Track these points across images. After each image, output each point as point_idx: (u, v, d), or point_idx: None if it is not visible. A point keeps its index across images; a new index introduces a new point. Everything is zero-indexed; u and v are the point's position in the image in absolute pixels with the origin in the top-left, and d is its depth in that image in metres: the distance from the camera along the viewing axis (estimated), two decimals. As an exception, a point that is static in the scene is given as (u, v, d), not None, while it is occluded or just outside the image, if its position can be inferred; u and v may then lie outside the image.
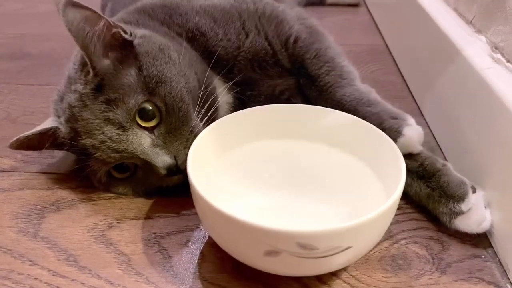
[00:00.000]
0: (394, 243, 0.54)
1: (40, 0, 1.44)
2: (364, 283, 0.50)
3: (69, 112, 0.58)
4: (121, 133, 0.55)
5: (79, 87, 0.57)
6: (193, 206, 0.51)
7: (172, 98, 0.57)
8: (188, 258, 0.53)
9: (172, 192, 0.61)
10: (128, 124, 0.55)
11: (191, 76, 0.61)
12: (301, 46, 0.70)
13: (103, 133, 0.55)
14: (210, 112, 0.61)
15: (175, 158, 0.56)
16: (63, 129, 0.59)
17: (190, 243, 0.55)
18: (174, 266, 0.52)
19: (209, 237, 0.56)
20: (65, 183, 0.66)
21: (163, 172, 0.56)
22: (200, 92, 0.61)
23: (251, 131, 0.60)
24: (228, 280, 0.50)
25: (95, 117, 0.55)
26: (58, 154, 0.70)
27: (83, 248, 0.55)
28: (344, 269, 0.51)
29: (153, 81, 0.56)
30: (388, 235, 0.55)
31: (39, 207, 0.61)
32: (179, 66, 0.59)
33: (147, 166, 0.57)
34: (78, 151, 0.58)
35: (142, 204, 0.62)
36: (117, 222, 0.59)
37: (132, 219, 0.59)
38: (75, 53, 0.61)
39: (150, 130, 0.57)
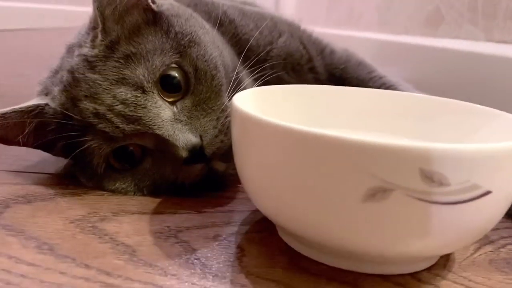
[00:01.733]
0: (500, 248, 0.40)
1: None
2: (482, 284, 0.34)
3: (69, 78, 0.45)
4: (139, 95, 0.43)
5: (85, 50, 0.45)
6: (218, 205, 0.40)
7: (205, 62, 0.46)
8: (220, 251, 0.37)
9: (188, 192, 0.46)
10: (150, 86, 0.43)
11: (225, 53, 0.51)
12: (340, 57, 0.64)
13: (114, 96, 0.43)
14: None
15: (200, 137, 0.43)
16: (56, 101, 0.45)
17: (221, 237, 0.39)
18: (202, 258, 0.35)
19: (248, 232, 0.40)
20: (40, 180, 0.49)
21: (184, 154, 0.42)
22: (232, 76, 0.50)
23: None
24: (283, 275, 0.34)
25: (104, 78, 0.43)
26: (32, 157, 0.54)
27: (63, 237, 0.37)
28: (448, 269, 0.36)
29: (186, 39, 0.46)
30: (487, 240, 0.41)
31: (2, 198, 0.44)
32: (212, 37, 0.50)
33: (162, 149, 0.44)
34: (70, 129, 0.44)
35: (147, 200, 0.45)
36: (113, 215, 0.42)
37: (134, 213, 0.43)
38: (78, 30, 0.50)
39: (172, 103, 0.45)
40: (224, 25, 0.58)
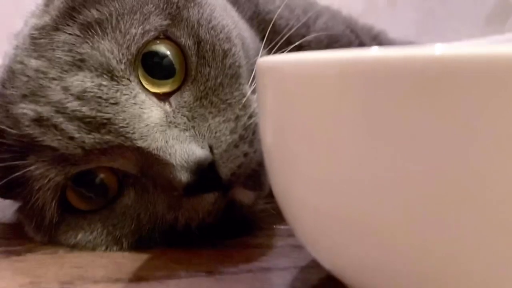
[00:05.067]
0: None
1: None
2: None
3: (4, 73, 0.30)
4: (105, 83, 0.27)
5: (32, 21, 0.30)
6: (243, 259, 0.27)
7: (212, 29, 0.30)
8: None
9: (194, 242, 0.29)
10: (123, 69, 0.28)
11: (243, 29, 0.35)
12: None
13: (65, 88, 0.27)
14: None
15: (210, 149, 0.28)
16: None
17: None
18: None
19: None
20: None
21: (184, 177, 0.27)
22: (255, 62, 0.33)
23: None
24: None
25: (50, 64, 0.28)
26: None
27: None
28: None
29: None
30: None
31: None
32: (223, 3, 0.35)
33: (150, 173, 0.28)
34: (5, 151, 0.28)
35: (125, 258, 0.28)
36: (63, 286, 0.24)
37: (100, 281, 0.25)
38: None
39: (163, 97, 0.29)
40: (241, 2, 0.41)
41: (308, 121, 0.17)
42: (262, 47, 0.37)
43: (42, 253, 0.29)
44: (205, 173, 0.27)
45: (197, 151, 0.27)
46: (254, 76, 0.31)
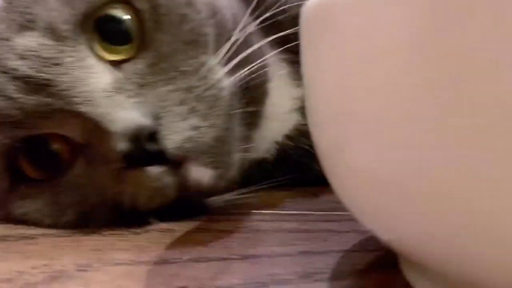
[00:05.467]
0: None
1: None
2: None
3: None
4: (49, 43, 0.26)
5: None
6: (271, 244, 0.24)
7: None
8: None
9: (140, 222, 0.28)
10: (69, 30, 0.27)
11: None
12: None
13: (12, 47, 0.26)
14: (246, 69, 0.31)
15: (155, 119, 0.26)
16: None
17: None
18: None
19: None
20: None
21: (120, 146, 0.26)
22: (232, 31, 0.31)
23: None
24: None
25: (7, 26, 0.27)
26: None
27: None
28: None
29: None
30: None
31: None
32: None
33: (94, 141, 0.27)
34: None
35: (148, 243, 0.25)
36: (79, 270, 0.22)
37: (120, 263, 0.22)
38: None
39: (117, 64, 0.28)
40: None
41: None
42: (248, 15, 0.35)
43: (57, 235, 0.26)
44: (142, 139, 0.25)
45: (138, 118, 0.26)
46: (229, 47, 0.30)
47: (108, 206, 0.27)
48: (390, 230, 0.16)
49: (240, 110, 0.31)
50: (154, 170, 0.26)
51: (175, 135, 0.26)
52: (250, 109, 0.33)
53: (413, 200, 0.14)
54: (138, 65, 0.28)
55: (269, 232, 0.27)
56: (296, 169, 0.38)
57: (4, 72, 0.26)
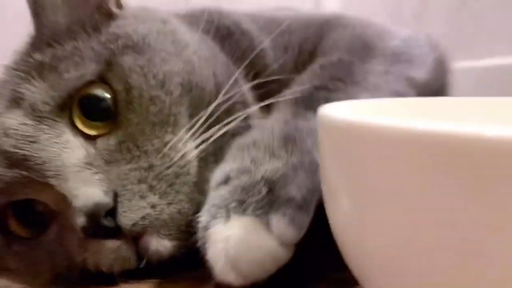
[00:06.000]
0: None
1: None
2: None
3: None
4: (28, 122, 0.30)
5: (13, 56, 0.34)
6: None
7: (144, 76, 0.31)
8: None
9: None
10: (49, 111, 0.30)
11: (205, 72, 0.35)
12: None
13: (1, 124, 0.31)
14: (218, 130, 0.33)
15: (114, 196, 0.29)
16: None
17: None
18: None
19: None
20: None
21: (79, 220, 0.28)
22: (211, 100, 0.34)
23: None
24: None
25: (1, 99, 0.32)
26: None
27: None
28: None
29: (120, 42, 0.33)
30: None
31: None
32: (183, 47, 0.35)
33: (63, 211, 0.30)
34: None
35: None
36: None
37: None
38: None
39: (92, 139, 0.31)
40: (234, 37, 0.42)
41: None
42: (246, 83, 0.38)
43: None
44: (99, 215, 0.28)
45: (97, 196, 0.28)
46: (209, 115, 0.32)
47: (77, 269, 0.30)
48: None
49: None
50: (111, 243, 0.29)
51: (131, 212, 0.29)
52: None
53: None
54: (110, 142, 0.30)
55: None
56: None
57: None
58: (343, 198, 0.20)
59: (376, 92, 0.36)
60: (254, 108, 0.36)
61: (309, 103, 0.33)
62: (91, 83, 0.31)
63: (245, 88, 0.38)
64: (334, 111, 0.21)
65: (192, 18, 0.41)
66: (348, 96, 0.34)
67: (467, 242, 0.15)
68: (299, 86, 0.36)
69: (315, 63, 0.40)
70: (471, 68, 0.90)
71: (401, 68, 0.40)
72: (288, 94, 0.36)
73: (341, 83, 0.36)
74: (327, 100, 0.29)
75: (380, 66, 0.39)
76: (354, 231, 0.19)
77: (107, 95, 0.31)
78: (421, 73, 0.41)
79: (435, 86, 0.43)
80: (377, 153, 0.18)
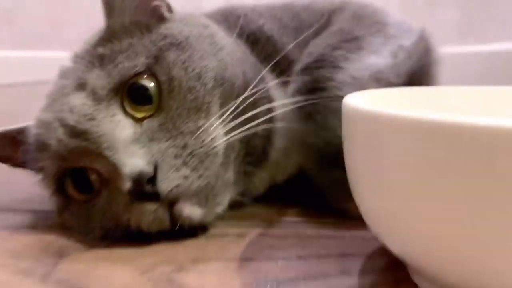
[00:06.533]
0: None
1: None
2: None
3: (50, 89, 0.40)
4: (89, 102, 0.36)
5: (81, 45, 0.40)
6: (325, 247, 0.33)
7: (184, 69, 0.37)
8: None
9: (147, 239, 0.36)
10: (105, 94, 0.36)
11: (236, 70, 0.41)
12: None
13: (66, 102, 0.36)
14: (251, 122, 0.39)
15: (155, 167, 0.34)
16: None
17: None
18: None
19: (374, 285, 0.30)
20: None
21: (126, 185, 0.33)
22: (239, 94, 0.40)
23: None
24: None
25: (69, 84, 0.37)
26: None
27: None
28: None
29: (167, 40, 0.38)
30: None
31: (55, 245, 0.36)
32: (219, 49, 0.40)
33: (113, 177, 0.35)
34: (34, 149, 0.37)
35: (231, 243, 0.36)
36: (193, 264, 0.33)
37: (218, 260, 0.33)
38: None
39: (139, 120, 0.36)
40: (260, 42, 0.48)
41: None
42: (273, 79, 0.44)
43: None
44: (142, 181, 0.33)
45: (142, 166, 0.33)
46: (236, 107, 0.38)
47: (122, 227, 0.35)
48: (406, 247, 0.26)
49: (240, 157, 0.40)
50: (150, 206, 0.34)
51: (168, 181, 0.34)
52: (248, 159, 0.41)
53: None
54: (153, 123, 0.36)
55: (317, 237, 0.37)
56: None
57: (58, 120, 0.35)
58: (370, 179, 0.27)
59: (378, 53, 0.44)
60: (278, 102, 0.42)
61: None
62: (140, 73, 0.36)
63: (271, 84, 0.44)
64: (359, 102, 0.27)
65: (226, 23, 0.47)
66: (360, 58, 0.43)
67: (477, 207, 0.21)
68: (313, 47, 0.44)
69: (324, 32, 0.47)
70: (481, 52, 0.95)
71: (394, 36, 0.47)
72: (305, 56, 0.43)
73: (351, 44, 0.43)
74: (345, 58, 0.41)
75: (379, 37, 0.46)
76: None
77: (152, 84, 0.36)
78: (407, 43, 0.47)
79: (419, 63, 0.48)
80: (404, 142, 0.23)
